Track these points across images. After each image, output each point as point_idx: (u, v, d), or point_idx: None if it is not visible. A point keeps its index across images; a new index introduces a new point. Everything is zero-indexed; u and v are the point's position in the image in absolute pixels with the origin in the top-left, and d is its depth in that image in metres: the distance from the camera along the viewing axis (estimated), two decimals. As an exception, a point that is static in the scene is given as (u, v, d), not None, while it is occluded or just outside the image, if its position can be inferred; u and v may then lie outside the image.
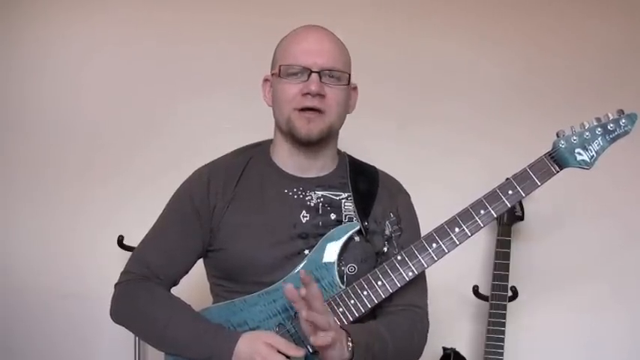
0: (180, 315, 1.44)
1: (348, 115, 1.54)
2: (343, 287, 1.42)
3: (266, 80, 1.54)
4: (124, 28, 2.41)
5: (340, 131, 1.55)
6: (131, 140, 2.41)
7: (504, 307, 2.18)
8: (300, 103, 1.44)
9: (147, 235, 1.55)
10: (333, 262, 1.43)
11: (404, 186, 1.63)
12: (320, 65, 1.43)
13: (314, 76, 1.42)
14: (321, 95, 1.43)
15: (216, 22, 2.40)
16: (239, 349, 1.36)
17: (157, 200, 1.58)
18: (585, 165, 1.41)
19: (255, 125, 1.65)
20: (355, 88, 1.55)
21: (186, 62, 2.40)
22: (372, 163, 1.63)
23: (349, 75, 1.49)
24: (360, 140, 1.88)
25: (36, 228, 2.40)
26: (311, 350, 1.38)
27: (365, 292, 1.41)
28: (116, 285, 1.53)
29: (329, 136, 1.49)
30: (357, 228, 1.46)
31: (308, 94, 1.42)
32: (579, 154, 1.40)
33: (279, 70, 1.46)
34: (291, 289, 1.25)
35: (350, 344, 1.32)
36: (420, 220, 1.60)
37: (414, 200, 1.61)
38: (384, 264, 1.42)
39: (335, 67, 1.45)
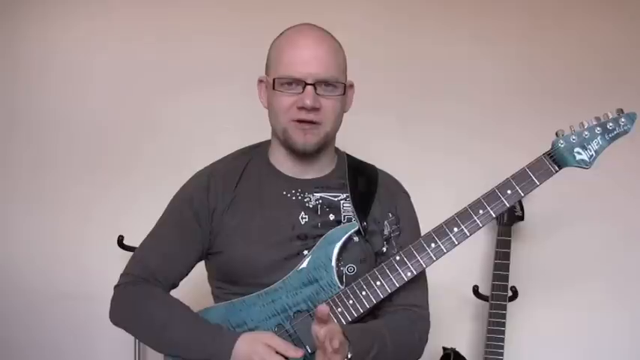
0: (179, 316, 1.44)
1: (346, 113, 1.53)
2: (342, 287, 1.42)
3: (260, 81, 1.52)
4: (125, 31, 2.42)
5: (340, 129, 1.53)
6: (133, 142, 2.41)
7: (504, 307, 2.18)
8: (295, 115, 1.42)
9: (146, 237, 1.55)
10: (332, 263, 1.42)
11: (404, 184, 1.62)
12: (314, 76, 1.40)
13: (309, 89, 1.40)
14: (316, 108, 1.41)
15: (217, 22, 2.40)
16: (237, 350, 1.35)
17: (158, 201, 1.58)
18: (584, 164, 1.40)
19: (256, 126, 1.64)
20: (351, 86, 1.53)
21: (187, 64, 2.40)
22: (371, 161, 1.63)
23: (344, 84, 1.46)
24: (359, 139, 1.88)
25: (37, 229, 2.41)
26: (310, 351, 1.38)
27: (363, 293, 1.41)
28: (115, 287, 1.52)
29: (325, 143, 1.48)
30: (356, 228, 1.46)
31: (303, 108, 1.40)
32: (578, 153, 1.40)
33: (274, 82, 1.43)
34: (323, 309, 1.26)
35: (349, 355, 1.32)
36: (419, 218, 1.59)
37: (413, 198, 1.61)
38: (382, 264, 1.42)
39: (331, 77, 1.42)
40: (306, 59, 1.41)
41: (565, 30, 2.40)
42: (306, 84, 1.40)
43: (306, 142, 1.43)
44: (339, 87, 1.44)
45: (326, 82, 1.42)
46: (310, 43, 1.43)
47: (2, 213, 2.42)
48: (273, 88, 1.43)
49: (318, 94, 1.41)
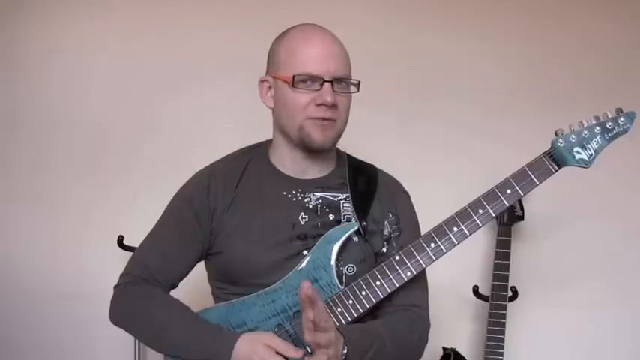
0: (179, 316, 1.44)
1: None
2: (342, 287, 1.42)
3: (262, 81, 1.51)
4: (124, 31, 2.42)
5: None
6: (133, 142, 2.42)
7: (504, 307, 2.18)
8: (314, 112, 1.42)
9: (146, 237, 1.55)
10: (332, 263, 1.42)
11: (404, 183, 1.62)
12: (332, 73, 1.41)
13: (327, 85, 1.40)
14: (334, 105, 1.42)
15: (216, 20, 2.41)
16: (237, 350, 1.35)
17: (158, 201, 1.58)
18: (584, 164, 1.40)
19: (256, 125, 1.65)
20: None
21: (186, 64, 2.40)
22: (371, 161, 1.63)
23: (358, 82, 1.47)
24: (360, 137, 1.87)
25: (37, 229, 2.41)
26: (309, 350, 1.38)
27: (363, 292, 1.40)
28: (115, 287, 1.52)
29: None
30: (356, 228, 1.46)
31: (322, 104, 1.41)
32: (578, 152, 1.40)
33: (293, 79, 1.41)
34: (308, 286, 1.21)
35: (345, 349, 1.31)
36: (419, 217, 1.59)
37: (413, 197, 1.61)
38: (382, 264, 1.42)
39: (346, 75, 1.44)
40: (323, 56, 1.41)
41: (565, 30, 2.40)
42: (325, 81, 1.40)
43: (325, 139, 1.44)
44: (352, 85, 1.46)
45: (341, 80, 1.43)
46: (324, 41, 1.44)
47: (2, 213, 2.42)
48: (293, 85, 1.42)
49: (335, 91, 1.41)
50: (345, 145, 1.62)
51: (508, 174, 1.42)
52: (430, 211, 1.55)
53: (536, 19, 2.40)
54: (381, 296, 1.41)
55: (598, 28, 2.39)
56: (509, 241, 2.23)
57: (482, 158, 2.34)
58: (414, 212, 1.59)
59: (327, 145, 1.46)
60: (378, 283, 1.41)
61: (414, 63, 2.40)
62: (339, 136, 1.48)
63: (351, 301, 1.40)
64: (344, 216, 1.49)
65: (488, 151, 2.35)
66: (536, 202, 2.26)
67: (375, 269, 1.42)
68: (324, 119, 1.42)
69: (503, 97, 2.40)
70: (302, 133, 1.44)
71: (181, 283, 1.55)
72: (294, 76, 1.41)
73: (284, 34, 1.49)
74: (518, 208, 2.27)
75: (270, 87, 1.49)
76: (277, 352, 1.34)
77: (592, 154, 1.40)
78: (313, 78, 1.41)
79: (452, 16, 2.41)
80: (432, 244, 1.41)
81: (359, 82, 1.47)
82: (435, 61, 2.40)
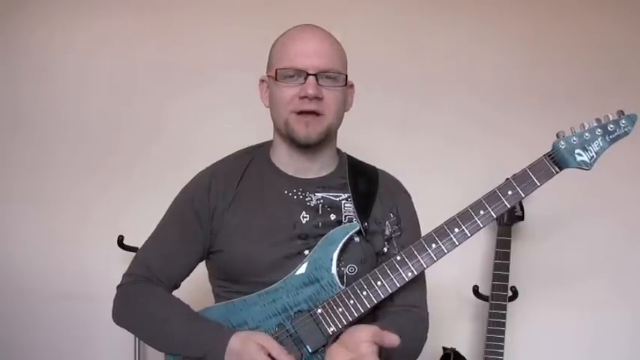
0: (179, 314, 1.45)
1: (346, 112, 1.54)
2: (343, 288, 1.42)
3: (262, 81, 1.54)
4: (126, 33, 2.42)
5: (342, 124, 1.54)
6: (133, 142, 2.41)
7: (504, 307, 2.18)
8: (297, 106, 1.43)
9: (149, 238, 1.56)
10: (333, 263, 1.42)
11: (405, 180, 1.63)
12: (317, 67, 1.42)
13: (311, 79, 1.42)
14: (318, 98, 1.42)
15: (218, 22, 2.41)
16: (231, 347, 1.35)
17: (158, 201, 1.58)
18: (585, 166, 1.41)
19: (257, 126, 1.65)
20: (352, 86, 1.55)
21: (187, 64, 2.40)
22: (373, 157, 1.63)
23: (346, 75, 1.48)
24: (361, 134, 1.88)
25: (37, 229, 2.41)
26: (310, 350, 1.39)
27: (364, 293, 1.41)
28: (118, 287, 1.53)
29: (327, 137, 1.49)
30: (357, 229, 1.46)
31: (305, 97, 1.42)
32: (579, 154, 1.40)
33: (276, 74, 1.45)
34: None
35: None
36: (421, 214, 1.59)
37: (415, 194, 1.61)
38: (383, 264, 1.42)
39: (332, 68, 1.44)
40: (309, 52, 1.43)
41: (569, 26, 2.39)
42: (308, 74, 1.41)
43: (308, 133, 1.44)
44: (341, 79, 1.46)
45: (328, 74, 1.44)
46: (313, 38, 1.46)
47: (2, 213, 2.42)
48: (276, 79, 1.44)
49: (320, 84, 1.42)
50: (347, 140, 1.62)
51: (509, 169, 1.42)
52: (431, 206, 1.56)
53: (540, 15, 2.39)
54: (382, 296, 1.41)
55: (602, 25, 2.37)
56: (509, 241, 2.23)
57: (484, 154, 2.34)
58: (415, 212, 1.60)
59: (312, 140, 1.45)
60: (379, 283, 1.41)
61: (416, 59, 2.39)
62: (328, 130, 1.47)
63: (352, 302, 1.40)
64: (345, 216, 1.49)
65: (490, 146, 2.35)
66: (537, 202, 2.26)
67: (376, 269, 1.42)
68: (307, 112, 1.43)
69: (506, 92, 2.39)
70: (288, 128, 1.46)
71: (183, 283, 1.56)
72: (276, 70, 1.44)
73: (282, 34, 1.51)
74: (518, 208, 2.27)
75: (267, 86, 1.51)
76: (270, 355, 1.32)
77: (593, 156, 1.41)
78: (297, 72, 1.43)
79: (455, 11, 2.40)
80: (433, 245, 1.41)
81: (346, 75, 1.48)
82: (437, 56, 2.40)
